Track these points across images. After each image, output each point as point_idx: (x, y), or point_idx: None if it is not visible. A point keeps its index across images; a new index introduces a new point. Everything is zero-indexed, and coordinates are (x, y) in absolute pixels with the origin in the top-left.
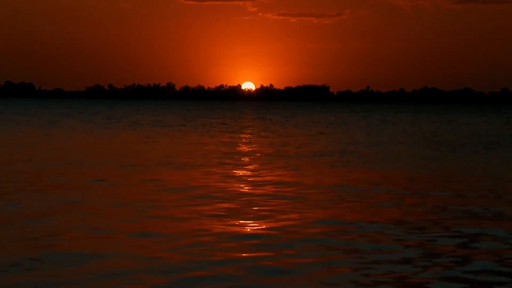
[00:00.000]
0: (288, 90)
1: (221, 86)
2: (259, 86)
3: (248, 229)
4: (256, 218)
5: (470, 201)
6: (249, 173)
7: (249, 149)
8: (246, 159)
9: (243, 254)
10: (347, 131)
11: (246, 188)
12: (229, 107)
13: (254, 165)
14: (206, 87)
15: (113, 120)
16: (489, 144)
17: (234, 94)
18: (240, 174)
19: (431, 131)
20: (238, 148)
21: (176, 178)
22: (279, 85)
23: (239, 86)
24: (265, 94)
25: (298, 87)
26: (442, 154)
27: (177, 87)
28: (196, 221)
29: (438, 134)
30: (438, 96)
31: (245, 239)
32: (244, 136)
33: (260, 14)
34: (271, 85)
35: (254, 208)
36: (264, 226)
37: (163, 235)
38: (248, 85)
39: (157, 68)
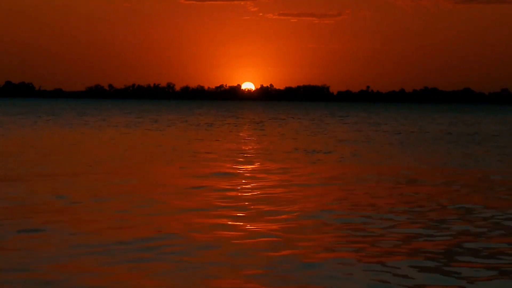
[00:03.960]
0: (288, 90)
1: (221, 86)
2: (259, 86)
3: None
4: None
5: None
6: None
7: None
8: None
9: None
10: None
11: None
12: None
13: None
14: (206, 87)
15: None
16: None
17: (234, 94)
18: None
19: None
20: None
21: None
22: (279, 85)
23: (239, 86)
24: (265, 94)
25: (298, 87)
26: None
27: (177, 87)
28: None
29: None
30: (438, 96)
31: None
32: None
33: (260, 14)
34: (271, 85)
35: None
36: None
37: None
38: (248, 85)
39: (157, 68)
